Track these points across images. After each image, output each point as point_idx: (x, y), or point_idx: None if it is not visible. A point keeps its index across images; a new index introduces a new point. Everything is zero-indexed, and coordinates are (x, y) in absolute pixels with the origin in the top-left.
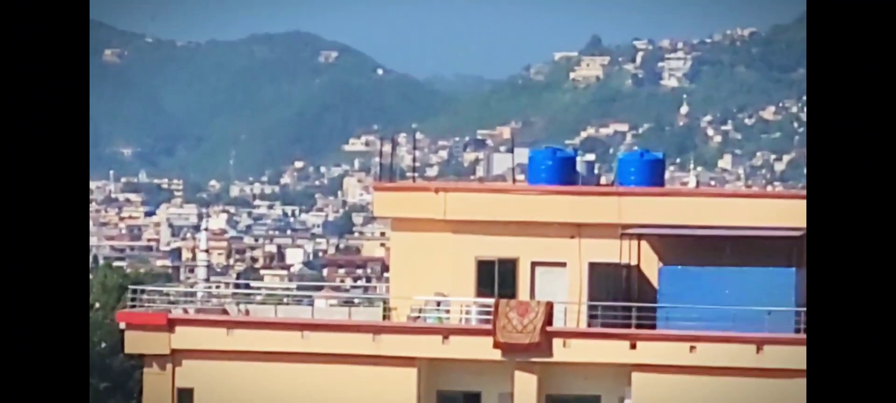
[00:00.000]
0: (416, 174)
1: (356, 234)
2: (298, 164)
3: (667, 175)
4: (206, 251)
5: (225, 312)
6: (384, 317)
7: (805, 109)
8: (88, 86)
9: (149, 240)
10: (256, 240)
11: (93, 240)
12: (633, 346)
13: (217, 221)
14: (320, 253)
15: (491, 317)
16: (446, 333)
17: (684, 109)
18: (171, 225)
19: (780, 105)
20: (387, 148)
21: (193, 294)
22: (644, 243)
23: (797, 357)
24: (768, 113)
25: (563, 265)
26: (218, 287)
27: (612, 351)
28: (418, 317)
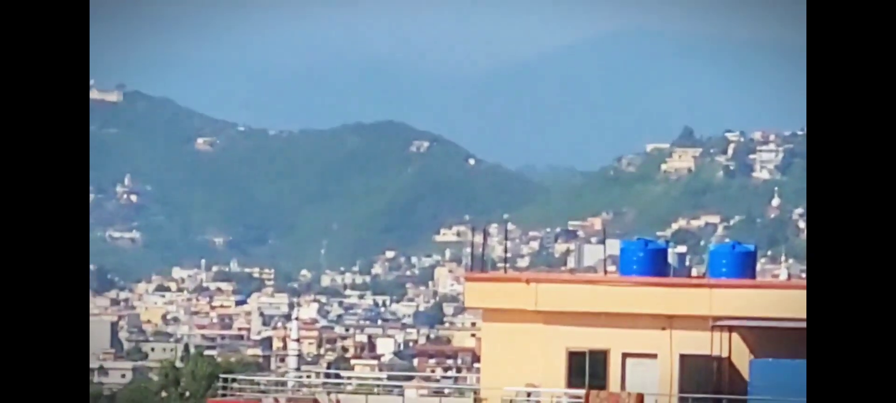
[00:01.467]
0: (508, 264)
1: (447, 324)
2: (389, 254)
3: (758, 267)
4: (297, 340)
5: (316, 401)
6: None
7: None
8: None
9: (240, 329)
10: (347, 330)
11: (183, 329)
12: None
13: (308, 310)
14: (411, 343)
15: None
16: None
17: (776, 201)
18: (262, 314)
19: None
20: (478, 238)
21: (284, 383)
22: (735, 335)
23: None
24: None
25: (653, 356)
26: (308, 376)
27: None
28: None
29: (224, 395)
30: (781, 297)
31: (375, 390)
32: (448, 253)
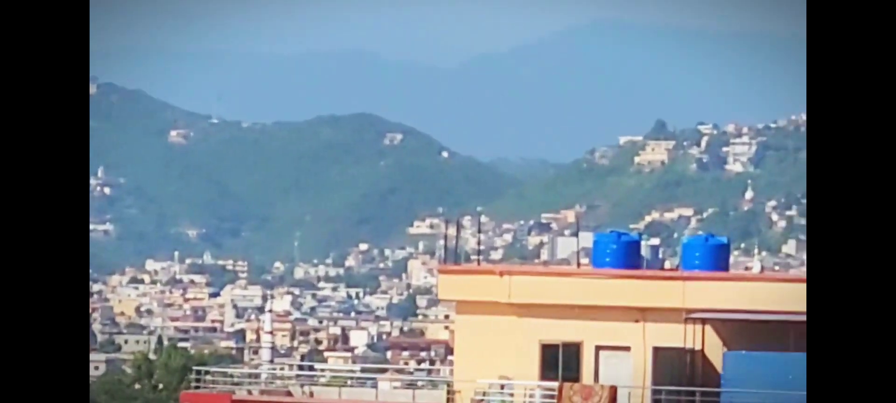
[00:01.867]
0: (481, 257)
1: (420, 317)
2: (363, 246)
3: (731, 260)
4: (271, 332)
5: (289, 394)
6: (448, 400)
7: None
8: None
9: (213, 322)
10: (320, 322)
11: (157, 322)
12: None
13: (281, 303)
14: (384, 336)
15: (555, 401)
16: None
17: (749, 194)
18: (235, 307)
19: None
20: (451, 230)
21: (257, 375)
22: (708, 328)
23: None
24: None
25: (627, 349)
26: (282, 368)
27: None
28: (482, 400)
29: (197, 388)
30: (754, 290)
31: (349, 382)
32: (421, 245)
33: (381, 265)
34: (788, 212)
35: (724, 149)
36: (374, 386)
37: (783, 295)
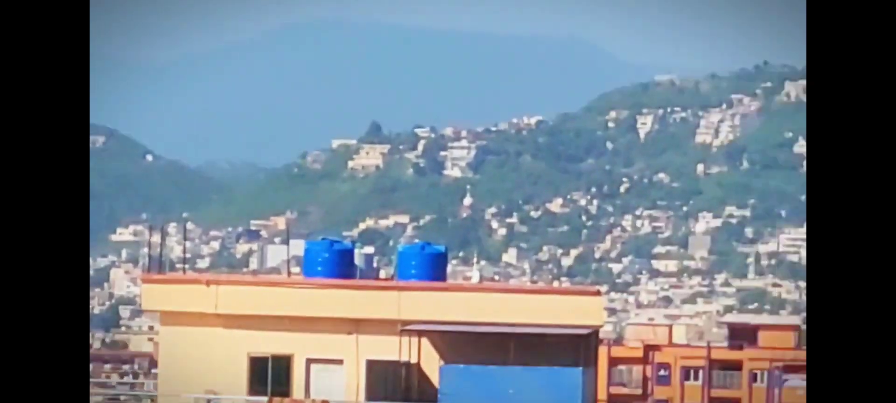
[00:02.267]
0: (187, 265)
1: (123, 328)
2: None
3: (449, 269)
4: None
5: None
6: None
7: (593, 202)
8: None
9: None
10: None
11: None
12: None
13: None
14: None
15: None
16: None
17: (467, 200)
18: None
19: (568, 197)
20: (156, 238)
21: None
22: (425, 340)
23: None
24: (555, 205)
25: (339, 362)
26: None
27: None
28: None
29: None
30: (472, 301)
31: None
32: (124, 253)
33: None
34: (509, 220)
35: (442, 153)
36: None
37: (503, 307)
